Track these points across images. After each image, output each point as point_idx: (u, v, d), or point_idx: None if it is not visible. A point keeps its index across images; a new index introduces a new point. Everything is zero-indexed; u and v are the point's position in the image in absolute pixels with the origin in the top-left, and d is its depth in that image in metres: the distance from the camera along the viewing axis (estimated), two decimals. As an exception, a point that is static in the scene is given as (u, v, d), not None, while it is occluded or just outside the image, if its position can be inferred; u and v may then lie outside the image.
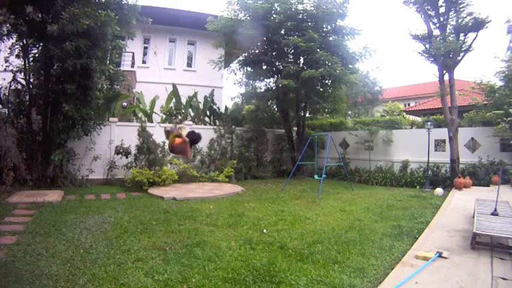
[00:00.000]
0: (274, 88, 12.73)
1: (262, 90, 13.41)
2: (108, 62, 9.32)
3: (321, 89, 12.31)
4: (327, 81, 11.84)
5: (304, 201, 7.70)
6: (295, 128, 13.54)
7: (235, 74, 13.27)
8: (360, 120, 14.69)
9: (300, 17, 11.31)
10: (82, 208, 6.31)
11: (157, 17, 11.32)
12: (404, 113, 18.98)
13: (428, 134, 9.71)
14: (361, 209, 6.67)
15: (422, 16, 10.16)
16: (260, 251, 4.11)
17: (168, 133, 3.62)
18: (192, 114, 13.05)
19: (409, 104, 25.58)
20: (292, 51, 11.82)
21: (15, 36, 8.54)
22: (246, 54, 12.87)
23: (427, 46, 10.05)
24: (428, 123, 9.80)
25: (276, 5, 10.93)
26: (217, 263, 3.68)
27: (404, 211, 6.45)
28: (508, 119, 8.99)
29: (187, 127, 11.82)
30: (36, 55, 8.42)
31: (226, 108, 14.85)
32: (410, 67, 57.35)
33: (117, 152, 9.67)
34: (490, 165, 9.52)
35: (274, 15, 10.98)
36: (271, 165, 13.33)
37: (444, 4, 9.80)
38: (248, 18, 11.39)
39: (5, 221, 5.18)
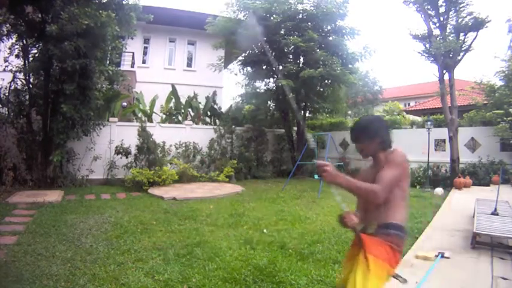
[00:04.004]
0: (274, 88, 12.73)
1: (262, 91, 13.40)
2: (108, 62, 9.32)
3: (320, 89, 12.30)
4: (326, 81, 11.84)
5: (304, 201, 7.70)
6: (295, 128, 13.54)
7: (236, 75, 13.30)
8: (360, 120, 14.66)
9: (300, 17, 11.30)
10: (82, 208, 6.31)
11: (158, 17, 11.30)
12: (404, 113, 18.97)
13: (428, 133, 9.72)
14: (361, 209, 6.66)
15: (422, 16, 10.16)
16: (260, 251, 4.10)
17: None
18: (192, 114, 13.06)
19: (409, 104, 25.56)
20: (292, 51, 11.81)
21: (15, 36, 8.52)
22: (246, 55, 12.86)
23: (427, 46, 10.06)
24: (428, 123, 9.80)
25: (275, 5, 10.93)
26: (217, 262, 3.67)
27: (405, 211, 6.44)
28: (508, 118, 8.99)
29: (187, 126, 11.93)
30: (36, 55, 8.42)
31: (230, 106, 14.74)
32: (410, 67, 57.36)
33: (117, 152, 9.66)
34: (490, 165, 9.52)
35: (274, 16, 10.97)
36: (271, 165, 13.32)
37: (444, 4, 9.80)
38: (248, 18, 11.38)
39: (5, 221, 5.17)
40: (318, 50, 10.79)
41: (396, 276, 1.76)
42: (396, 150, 1.88)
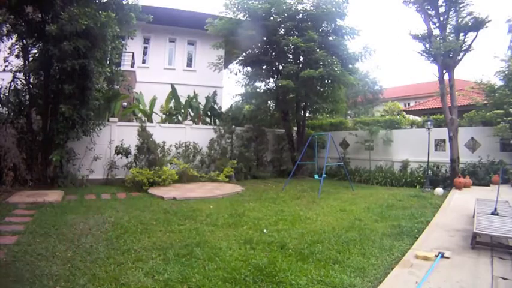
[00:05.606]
0: (274, 88, 12.73)
1: (262, 91, 13.41)
2: (108, 62, 9.31)
3: (320, 89, 12.31)
4: (326, 81, 11.84)
5: (304, 201, 7.70)
6: (295, 128, 13.54)
7: (236, 75, 13.30)
8: (360, 120, 14.67)
9: (300, 16, 11.31)
10: (82, 208, 6.31)
11: (158, 17, 11.29)
12: (404, 113, 18.94)
13: (428, 133, 9.71)
14: (361, 209, 6.67)
15: (422, 16, 10.15)
16: (260, 251, 4.10)
17: None
18: (192, 114, 13.07)
19: (409, 104, 25.55)
20: (292, 51, 11.81)
21: (14, 36, 8.52)
22: (246, 55, 12.87)
23: (427, 46, 10.04)
24: (428, 122, 9.79)
25: (275, 5, 10.92)
26: (217, 262, 3.68)
27: (405, 211, 6.45)
28: (508, 118, 8.97)
29: (187, 126, 11.95)
30: (36, 55, 8.41)
31: (230, 106, 14.72)
32: (410, 67, 57.27)
33: (117, 152, 9.67)
34: (490, 165, 9.51)
35: (273, 16, 10.97)
36: (271, 165, 13.33)
37: (444, 4, 9.78)
38: (248, 18, 11.38)
39: (5, 221, 5.17)
40: (318, 50, 10.79)
41: None
42: None
